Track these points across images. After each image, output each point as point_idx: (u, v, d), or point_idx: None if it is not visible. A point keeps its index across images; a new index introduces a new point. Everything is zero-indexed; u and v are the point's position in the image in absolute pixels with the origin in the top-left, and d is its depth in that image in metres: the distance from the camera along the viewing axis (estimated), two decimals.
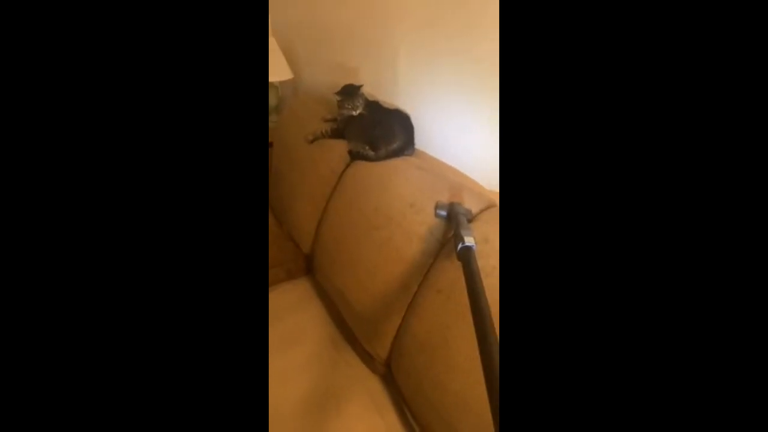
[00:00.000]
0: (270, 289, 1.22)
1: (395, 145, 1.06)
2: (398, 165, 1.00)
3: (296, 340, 1.04)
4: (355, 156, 1.11)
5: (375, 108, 1.19)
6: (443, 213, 0.81)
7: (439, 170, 0.98)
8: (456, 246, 0.66)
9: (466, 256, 0.61)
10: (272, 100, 1.76)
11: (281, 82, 1.69)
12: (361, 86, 1.17)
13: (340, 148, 1.17)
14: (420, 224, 0.84)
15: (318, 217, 1.19)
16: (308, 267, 1.32)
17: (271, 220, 1.43)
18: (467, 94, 1.06)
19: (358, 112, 1.15)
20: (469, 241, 0.65)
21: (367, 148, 1.09)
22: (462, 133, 1.12)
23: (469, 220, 0.78)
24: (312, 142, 1.24)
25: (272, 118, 1.78)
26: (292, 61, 1.68)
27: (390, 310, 0.87)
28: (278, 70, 1.64)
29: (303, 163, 1.27)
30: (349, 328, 1.04)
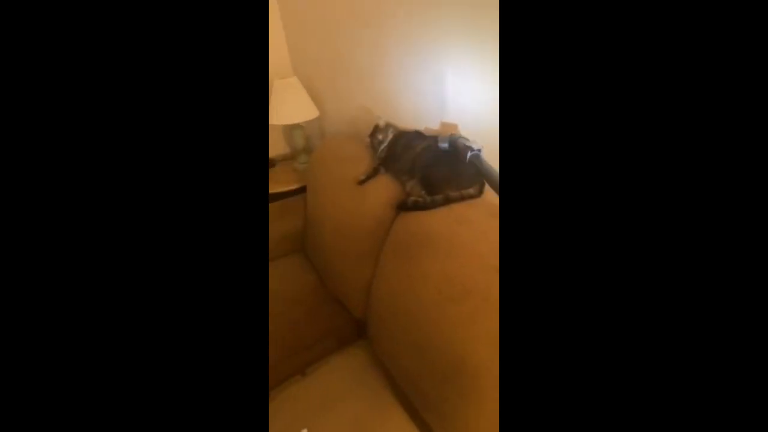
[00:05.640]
0: (320, 362, 1.03)
1: (461, 191, 0.85)
2: (466, 213, 0.80)
3: None
4: (402, 207, 0.92)
5: (418, 138, 1.01)
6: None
7: None
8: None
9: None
10: (300, 141, 1.64)
11: (307, 122, 1.56)
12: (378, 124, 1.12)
13: (384, 191, 0.99)
14: None
15: (367, 278, 1.00)
16: (361, 331, 1.13)
17: (314, 278, 1.27)
18: None
19: (388, 138, 1.08)
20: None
21: (423, 192, 0.90)
22: None
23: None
24: (363, 183, 1.05)
25: (302, 160, 1.66)
26: (316, 99, 1.55)
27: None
28: (303, 110, 1.51)
29: (342, 211, 1.10)
30: (423, 419, 0.83)
